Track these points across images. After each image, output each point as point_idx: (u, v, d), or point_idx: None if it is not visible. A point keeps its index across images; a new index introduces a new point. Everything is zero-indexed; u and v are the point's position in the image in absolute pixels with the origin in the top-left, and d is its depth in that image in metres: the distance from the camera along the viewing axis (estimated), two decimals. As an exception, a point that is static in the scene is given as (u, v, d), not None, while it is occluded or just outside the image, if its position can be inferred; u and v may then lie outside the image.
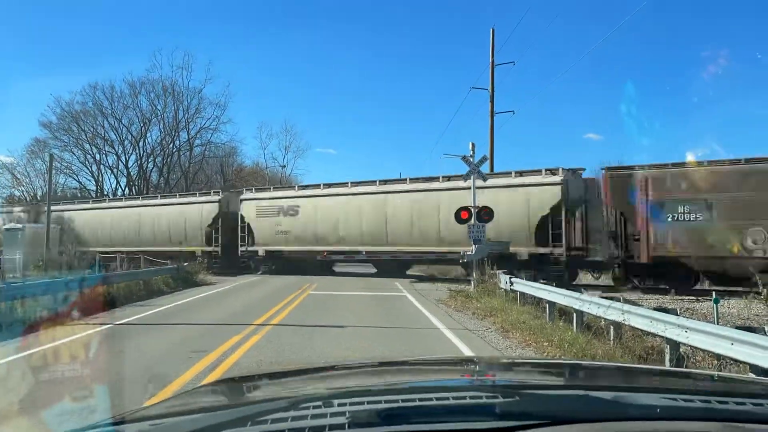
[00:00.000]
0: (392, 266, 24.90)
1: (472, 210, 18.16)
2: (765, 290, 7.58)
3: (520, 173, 21.90)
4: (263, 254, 26.95)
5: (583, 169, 21.72)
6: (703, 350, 6.55)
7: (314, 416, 1.21)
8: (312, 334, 10.02)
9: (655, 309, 8.13)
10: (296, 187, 27.12)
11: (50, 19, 75.89)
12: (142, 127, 51.42)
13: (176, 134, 52.23)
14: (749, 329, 5.89)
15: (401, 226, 23.59)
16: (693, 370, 4.19)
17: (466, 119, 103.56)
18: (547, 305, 11.86)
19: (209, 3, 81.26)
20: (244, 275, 25.90)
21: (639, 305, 9.36)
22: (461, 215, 18.39)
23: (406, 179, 24.82)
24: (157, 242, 29.91)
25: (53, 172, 28.11)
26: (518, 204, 21.06)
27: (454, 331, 10.48)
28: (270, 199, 27.19)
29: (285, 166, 60.67)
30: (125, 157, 51.83)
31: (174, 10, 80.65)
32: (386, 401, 1.37)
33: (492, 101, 29.88)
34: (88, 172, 52.07)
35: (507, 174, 22.32)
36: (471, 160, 18.86)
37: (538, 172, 21.43)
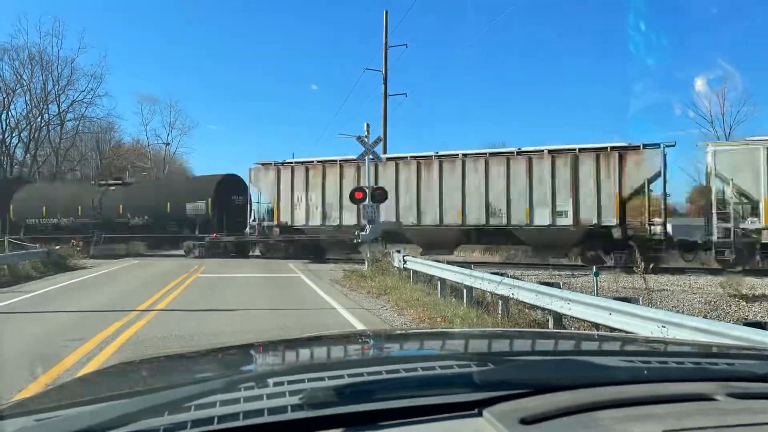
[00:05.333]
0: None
1: (367, 190, 18.19)
2: (642, 264, 8.24)
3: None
4: None
5: None
6: (585, 321, 7.01)
7: (247, 399, 1.00)
8: (201, 318, 9.56)
9: (540, 283, 8.58)
10: None
11: None
12: (5, 98, 46.18)
13: (45, 107, 47.45)
14: (626, 300, 6.37)
15: None
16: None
17: (360, 101, 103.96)
18: (439, 282, 12.19)
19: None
20: (125, 259, 24.28)
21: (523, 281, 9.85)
22: (355, 195, 18.36)
23: None
24: None
25: None
26: None
27: (350, 310, 10.45)
28: None
29: (169, 144, 57.65)
30: (-16, 131, 46.48)
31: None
32: (348, 375, 1.16)
33: (385, 83, 30.02)
34: (-62, 145, 46.12)
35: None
36: (366, 140, 18.84)
37: None
